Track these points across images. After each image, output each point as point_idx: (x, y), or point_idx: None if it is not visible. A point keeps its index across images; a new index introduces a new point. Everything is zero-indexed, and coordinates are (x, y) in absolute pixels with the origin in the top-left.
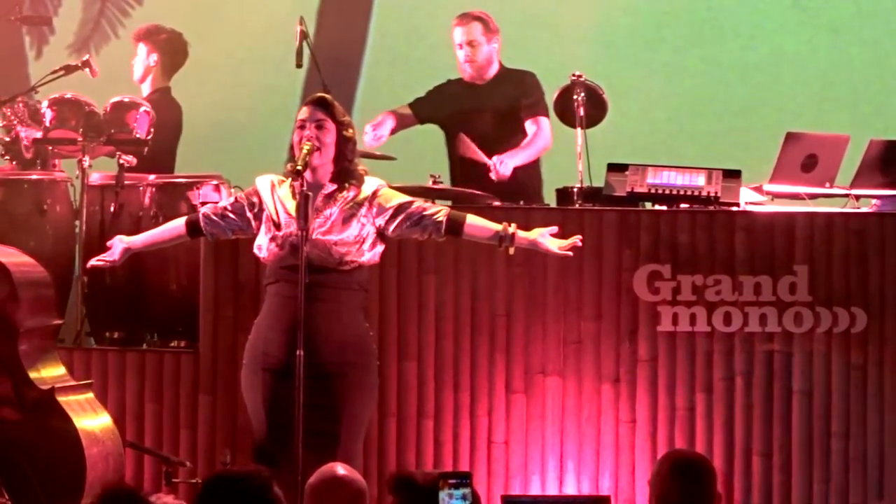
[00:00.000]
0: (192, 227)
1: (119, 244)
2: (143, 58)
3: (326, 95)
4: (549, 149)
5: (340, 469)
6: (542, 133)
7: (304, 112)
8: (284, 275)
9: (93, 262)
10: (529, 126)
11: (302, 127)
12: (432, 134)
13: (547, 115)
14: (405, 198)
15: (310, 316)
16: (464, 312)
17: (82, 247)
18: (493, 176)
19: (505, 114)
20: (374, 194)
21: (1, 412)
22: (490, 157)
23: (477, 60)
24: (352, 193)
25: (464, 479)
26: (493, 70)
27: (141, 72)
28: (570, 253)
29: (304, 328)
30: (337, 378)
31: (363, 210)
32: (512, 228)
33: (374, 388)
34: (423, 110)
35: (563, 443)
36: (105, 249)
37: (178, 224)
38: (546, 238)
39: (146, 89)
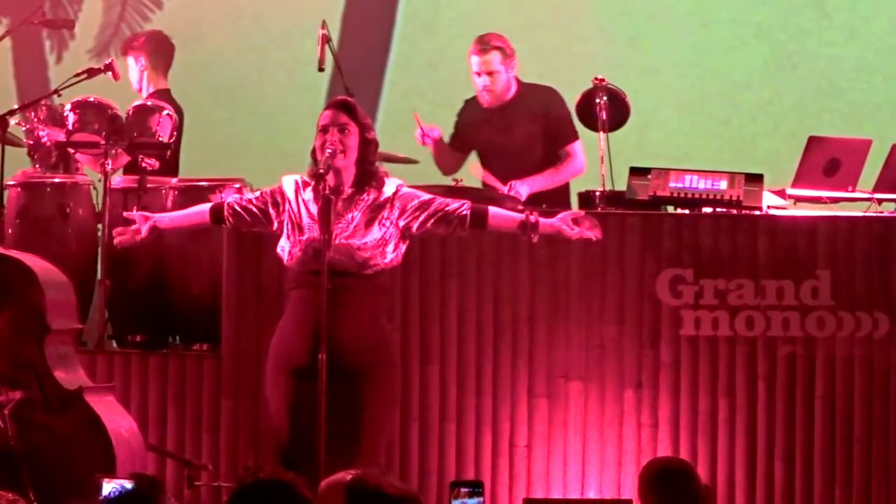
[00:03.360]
0: (216, 215)
1: (143, 221)
2: (132, 66)
3: (349, 98)
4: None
5: (349, 476)
6: (574, 161)
7: (327, 116)
8: (307, 280)
9: (116, 236)
10: (563, 153)
11: (324, 130)
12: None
13: (577, 137)
14: (426, 195)
15: (332, 320)
16: (486, 316)
17: (104, 250)
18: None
19: (531, 132)
20: (395, 195)
21: (28, 414)
22: (518, 177)
23: (496, 90)
24: (372, 196)
25: (477, 488)
26: (512, 91)
27: (136, 80)
28: (592, 236)
29: (327, 332)
30: (359, 380)
31: (385, 212)
32: (534, 217)
33: (397, 390)
34: (462, 146)
35: (585, 447)
36: (128, 253)
37: (202, 209)
38: (568, 224)
39: (144, 95)
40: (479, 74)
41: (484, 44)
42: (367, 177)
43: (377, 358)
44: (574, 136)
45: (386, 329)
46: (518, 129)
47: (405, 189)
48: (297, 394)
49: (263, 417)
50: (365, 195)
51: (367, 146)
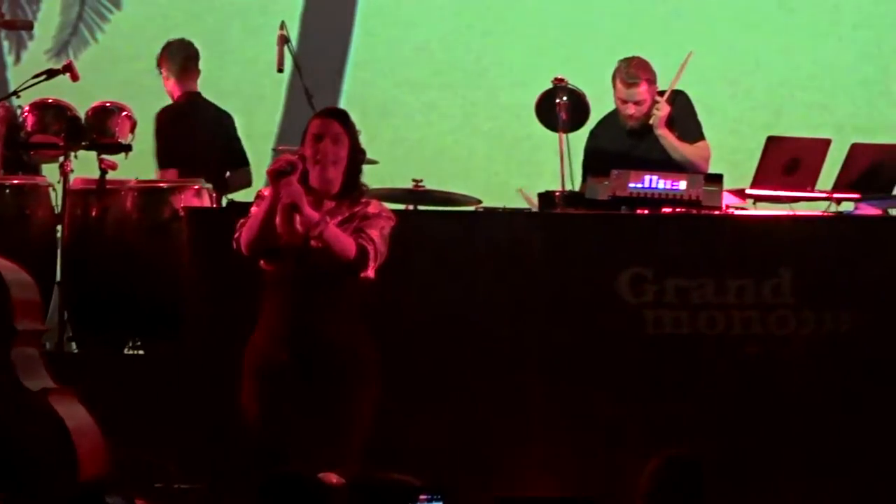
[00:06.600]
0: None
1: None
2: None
3: (341, 108)
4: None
5: (333, 478)
6: (701, 152)
7: (320, 125)
8: (281, 281)
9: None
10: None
11: (317, 139)
12: (415, 136)
13: (703, 138)
14: (376, 226)
15: (308, 322)
16: (450, 315)
17: (64, 252)
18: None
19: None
20: (373, 214)
21: None
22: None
23: (642, 117)
24: (356, 209)
25: (435, 496)
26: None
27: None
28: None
29: (303, 333)
30: (337, 382)
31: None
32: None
33: (376, 389)
34: (602, 168)
35: (549, 445)
36: (87, 255)
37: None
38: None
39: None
40: (623, 102)
41: (630, 76)
42: (353, 186)
43: (356, 357)
44: (699, 137)
45: (362, 330)
46: (656, 141)
47: (380, 220)
48: (276, 395)
49: (229, 416)
50: (349, 207)
51: (357, 156)
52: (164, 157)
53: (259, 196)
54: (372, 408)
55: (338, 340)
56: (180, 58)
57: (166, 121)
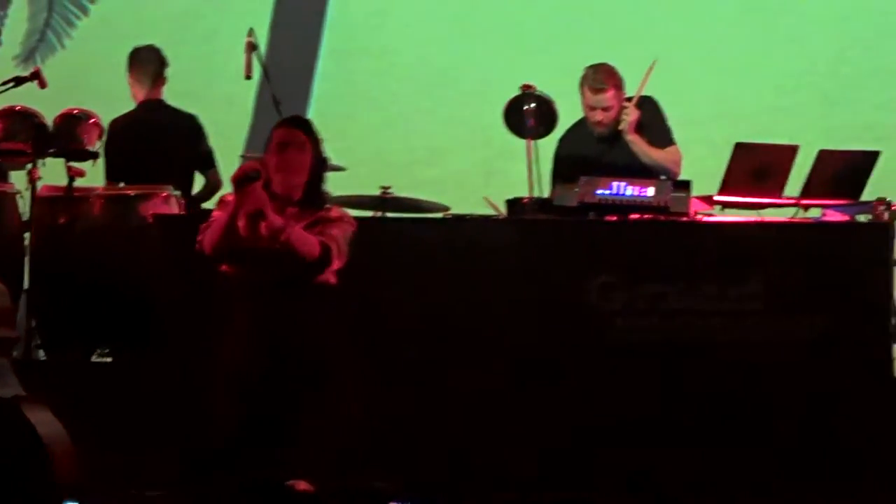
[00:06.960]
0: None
1: None
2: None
3: (305, 117)
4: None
5: (302, 485)
6: (672, 157)
7: (283, 133)
8: (249, 287)
9: None
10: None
11: (281, 149)
12: (383, 143)
13: (673, 143)
14: (338, 228)
15: (281, 327)
16: (423, 321)
17: (32, 259)
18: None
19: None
20: (335, 218)
21: None
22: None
23: (610, 123)
24: (318, 214)
25: (406, 502)
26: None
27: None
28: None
29: (276, 338)
30: (312, 387)
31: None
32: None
33: (352, 395)
34: (572, 175)
35: (523, 451)
36: (55, 262)
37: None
38: None
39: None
40: (591, 108)
41: (597, 83)
42: (316, 193)
43: (331, 362)
44: (668, 142)
45: (336, 334)
46: (625, 147)
47: (342, 224)
48: (249, 401)
49: (202, 425)
50: (311, 214)
51: (320, 164)
52: (113, 169)
53: (223, 201)
54: (348, 412)
55: (311, 345)
56: (146, 65)
57: (117, 131)
